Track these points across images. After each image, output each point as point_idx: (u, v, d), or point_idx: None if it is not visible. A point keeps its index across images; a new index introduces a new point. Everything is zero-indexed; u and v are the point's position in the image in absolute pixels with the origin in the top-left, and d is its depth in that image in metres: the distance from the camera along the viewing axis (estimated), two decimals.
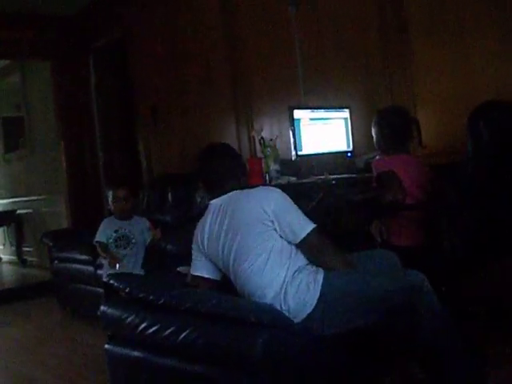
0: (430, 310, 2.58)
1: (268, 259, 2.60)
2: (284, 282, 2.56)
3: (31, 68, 8.69)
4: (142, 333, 2.71)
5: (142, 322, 2.72)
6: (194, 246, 2.92)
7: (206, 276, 2.88)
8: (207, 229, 2.81)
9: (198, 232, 2.88)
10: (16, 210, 9.17)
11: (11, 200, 9.44)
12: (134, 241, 4.12)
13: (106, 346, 3.02)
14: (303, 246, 2.66)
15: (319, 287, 2.54)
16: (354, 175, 4.12)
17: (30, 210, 8.97)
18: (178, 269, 3.26)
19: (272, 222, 2.63)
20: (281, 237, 2.65)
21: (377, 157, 3.65)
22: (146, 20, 6.67)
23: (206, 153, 3.00)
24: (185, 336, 2.50)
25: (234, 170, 2.92)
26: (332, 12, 4.62)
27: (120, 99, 7.69)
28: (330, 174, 4.11)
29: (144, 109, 6.90)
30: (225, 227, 2.72)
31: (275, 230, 2.64)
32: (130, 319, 2.80)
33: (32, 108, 8.84)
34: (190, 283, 2.94)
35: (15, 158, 9.46)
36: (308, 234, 2.63)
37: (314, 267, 2.64)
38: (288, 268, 2.60)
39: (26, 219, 9.08)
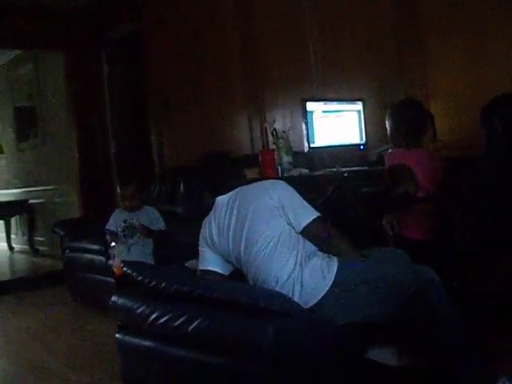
0: (440, 306, 2.57)
1: (278, 243, 2.64)
2: (296, 264, 2.60)
3: (44, 58, 8.68)
4: (153, 322, 2.71)
5: (153, 312, 2.73)
6: (201, 242, 2.95)
7: (215, 270, 2.91)
8: (215, 224, 2.85)
9: (205, 228, 2.92)
10: (28, 200, 9.20)
11: (23, 190, 9.47)
12: (140, 230, 4.18)
13: (117, 335, 3.03)
14: (306, 234, 2.70)
15: (333, 273, 2.57)
16: (366, 168, 4.11)
17: (42, 200, 8.99)
18: (186, 264, 3.28)
19: (278, 208, 2.68)
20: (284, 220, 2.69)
21: (389, 150, 3.63)
22: (160, 12, 6.66)
23: (212, 155, 3.15)
24: (196, 325, 2.51)
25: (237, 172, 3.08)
26: (346, 4, 4.60)
27: (132, 90, 7.69)
28: (342, 167, 4.10)
29: (156, 100, 6.90)
30: (233, 218, 2.77)
31: (282, 216, 2.68)
32: (141, 309, 2.81)
33: (45, 98, 8.84)
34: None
35: (28, 148, 9.47)
36: (310, 222, 2.68)
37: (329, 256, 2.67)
38: (298, 252, 2.64)
39: (37, 209, 9.11)
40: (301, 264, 2.60)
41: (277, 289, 2.60)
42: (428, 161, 3.46)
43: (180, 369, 2.68)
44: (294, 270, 2.59)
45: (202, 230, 2.94)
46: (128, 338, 2.98)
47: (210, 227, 2.87)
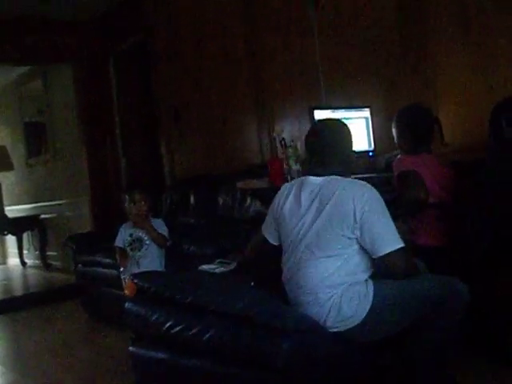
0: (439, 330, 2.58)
1: (338, 267, 2.54)
2: (340, 290, 2.52)
3: (53, 73, 8.75)
4: (167, 331, 2.70)
5: (168, 321, 2.72)
6: (270, 209, 2.95)
7: (270, 241, 2.95)
8: (296, 199, 2.73)
9: (282, 195, 2.84)
10: (39, 215, 9.23)
11: (34, 205, 9.51)
12: (147, 242, 4.15)
13: (131, 348, 3.02)
14: (381, 260, 2.56)
15: (369, 302, 2.51)
16: (374, 175, 4.10)
17: (53, 215, 9.03)
18: (200, 268, 3.26)
19: (356, 228, 2.52)
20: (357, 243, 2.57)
21: (398, 156, 3.62)
22: (168, 23, 6.69)
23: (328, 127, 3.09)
24: (210, 336, 2.50)
25: (343, 156, 2.95)
26: (352, 11, 4.60)
27: (142, 102, 7.71)
28: (352, 174, 4.08)
29: (166, 111, 6.91)
30: (313, 208, 2.63)
31: (356, 239, 2.54)
32: (154, 316, 2.80)
33: (54, 113, 8.90)
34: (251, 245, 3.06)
35: (38, 163, 9.52)
36: (389, 253, 2.51)
37: (366, 279, 2.59)
38: (347, 281, 2.54)
39: (49, 224, 9.14)
40: (343, 290, 2.51)
41: (309, 305, 2.54)
42: (437, 166, 3.45)
43: (193, 380, 2.67)
44: (335, 294, 2.51)
45: (276, 201, 2.86)
46: (141, 351, 2.98)
47: (286, 199, 2.77)
